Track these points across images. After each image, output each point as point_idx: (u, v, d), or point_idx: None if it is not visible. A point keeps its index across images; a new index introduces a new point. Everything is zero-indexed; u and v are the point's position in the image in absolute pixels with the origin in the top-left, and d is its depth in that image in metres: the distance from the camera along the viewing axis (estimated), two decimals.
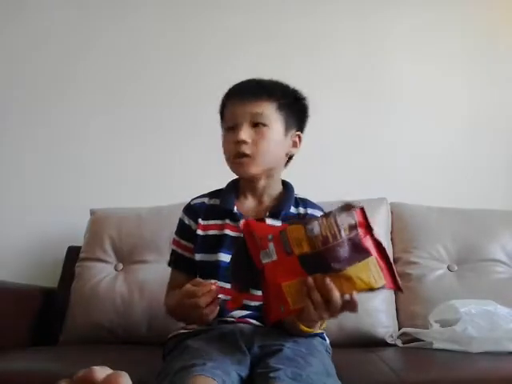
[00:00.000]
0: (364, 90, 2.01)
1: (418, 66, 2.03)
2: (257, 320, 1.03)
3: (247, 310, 1.04)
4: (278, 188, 1.14)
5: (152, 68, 2.03)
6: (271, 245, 0.81)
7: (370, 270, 0.76)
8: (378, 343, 1.46)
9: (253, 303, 1.03)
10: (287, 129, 1.09)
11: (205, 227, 1.10)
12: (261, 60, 1.98)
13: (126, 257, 1.64)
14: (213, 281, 0.98)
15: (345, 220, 0.77)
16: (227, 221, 1.09)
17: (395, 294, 1.60)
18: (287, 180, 1.18)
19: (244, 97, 1.06)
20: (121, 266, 1.64)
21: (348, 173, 1.94)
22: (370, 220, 0.79)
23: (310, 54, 2.02)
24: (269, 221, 1.06)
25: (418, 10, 2.04)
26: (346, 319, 1.47)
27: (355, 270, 0.76)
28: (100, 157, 1.96)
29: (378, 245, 0.79)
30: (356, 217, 0.77)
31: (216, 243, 1.07)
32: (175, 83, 2.00)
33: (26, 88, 2.02)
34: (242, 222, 0.87)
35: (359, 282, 0.77)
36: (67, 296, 1.61)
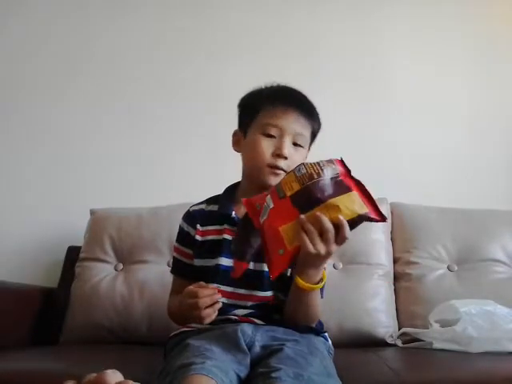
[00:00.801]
0: (364, 90, 2.01)
1: (418, 66, 2.03)
2: (259, 319, 1.04)
3: (250, 308, 1.05)
4: None
5: (153, 68, 2.03)
6: (268, 197, 0.90)
7: (354, 200, 0.85)
8: (378, 343, 1.46)
9: (260, 302, 1.05)
10: (307, 153, 1.14)
11: (203, 233, 1.12)
12: (260, 60, 1.99)
13: (126, 257, 1.64)
14: (214, 285, 1.00)
15: (326, 164, 0.88)
16: (226, 225, 1.10)
17: (395, 294, 1.60)
18: (244, 200, 1.18)
19: (292, 112, 1.08)
20: (121, 266, 1.64)
21: None
22: (349, 167, 0.89)
23: (310, 54, 2.02)
24: None
25: (418, 10, 2.04)
26: (346, 319, 1.48)
27: (340, 200, 0.85)
28: (100, 157, 1.96)
29: (358, 183, 0.88)
30: (335, 163, 0.89)
31: (215, 248, 1.09)
32: (176, 83, 2.00)
33: (26, 88, 2.01)
34: (243, 201, 0.93)
35: (345, 209, 0.84)
36: (67, 296, 1.61)
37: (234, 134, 1.17)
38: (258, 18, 2.04)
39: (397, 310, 1.58)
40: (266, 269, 1.03)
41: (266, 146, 1.07)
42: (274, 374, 0.82)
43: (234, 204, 1.13)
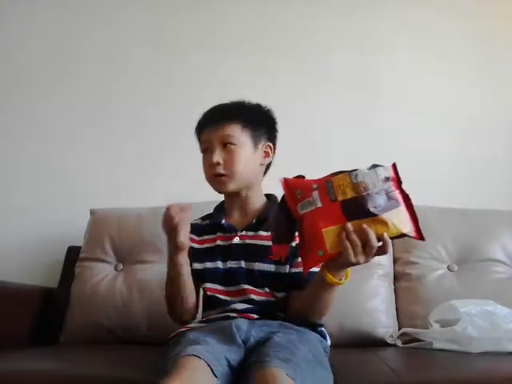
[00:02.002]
0: (364, 90, 2.00)
1: (418, 66, 2.03)
2: (258, 314, 1.08)
3: (251, 304, 1.10)
4: (261, 199, 1.23)
5: (153, 68, 2.03)
6: (315, 193, 0.89)
7: (400, 217, 0.88)
8: (378, 343, 1.46)
9: (258, 298, 1.11)
10: (256, 143, 1.19)
11: (200, 242, 1.22)
12: (253, 58, 1.99)
13: (126, 257, 1.64)
14: (215, 285, 1.15)
15: (382, 172, 0.88)
16: (218, 233, 1.21)
17: (395, 294, 1.60)
18: (283, 179, 1.20)
19: (212, 122, 1.18)
20: (121, 266, 1.64)
21: None
22: (400, 176, 0.90)
23: (310, 54, 2.02)
24: (262, 232, 1.17)
25: (418, 9, 2.04)
26: (346, 319, 1.48)
27: (389, 216, 0.87)
28: (100, 157, 1.96)
29: (406, 197, 0.90)
30: (390, 171, 0.89)
31: (211, 253, 1.19)
32: (177, 83, 2.00)
33: (26, 88, 2.01)
34: (281, 180, 0.95)
35: (392, 226, 0.87)
36: (67, 296, 1.61)
37: None
38: (253, 17, 2.03)
39: (397, 310, 1.57)
40: (260, 267, 1.12)
41: (205, 161, 1.19)
42: (263, 359, 0.87)
43: (224, 215, 1.23)
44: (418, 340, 1.37)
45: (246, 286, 1.12)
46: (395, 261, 1.64)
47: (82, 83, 2.02)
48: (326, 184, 0.89)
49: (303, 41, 2.03)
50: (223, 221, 1.21)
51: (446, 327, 1.31)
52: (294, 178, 0.95)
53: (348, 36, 2.04)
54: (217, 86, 1.95)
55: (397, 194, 0.89)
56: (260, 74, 1.97)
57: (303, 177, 0.95)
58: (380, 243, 0.88)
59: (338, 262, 0.91)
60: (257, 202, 1.22)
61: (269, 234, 1.12)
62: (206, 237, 1.22)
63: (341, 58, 2.02)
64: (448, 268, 1.61)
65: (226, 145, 1.16)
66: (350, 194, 0.87)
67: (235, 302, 1.12)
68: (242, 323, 1.03)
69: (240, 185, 1.17)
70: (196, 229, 1.22)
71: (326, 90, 1.97)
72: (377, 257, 0.90)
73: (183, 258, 1.10)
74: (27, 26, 2.04)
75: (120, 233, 1.66)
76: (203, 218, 1.28)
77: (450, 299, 1.37)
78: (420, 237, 0.89)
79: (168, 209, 1.05)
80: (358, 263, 0.89)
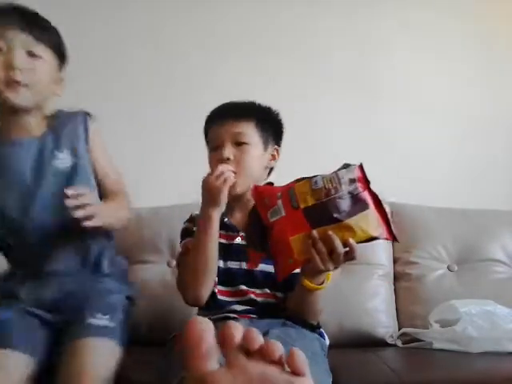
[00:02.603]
0: (363, 90, 2.00)
1: (418, 67, 2.02)
2: (258, 315, 1.08)
3: (251, 305, 1.10)
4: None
5: (153, 68, 2.02)
6: (279, 202, 0.86)
7: (369, 220, 0.83)
8: (377, 343, 1.46)
9: (258, 299, 1.10)
10: (265, 144, 1.18)
11: None
12: (258, 59, 1.98)
13: (126, 257, 1.64)
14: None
15: (345, 175, 0.84)
16: (220, 231, 1.16)
17: (395, 294, 1.60)
18: (253, 186, 1.20)
19: (224, 119, 1.16)
20: None
21: None
22: (368, 175, 0.86)
23: (310, 54, 2.01)
24: None
25: (419, 9, 2.04)
26: (346, 319, 1.48)
27: (355, 220, 0.83)
28: None
29: (375, 197, 0.85)
30: (355, 172, 0.85)
31: None
32: (177, 83, 2.00)
33: None
34: (251, 187, 0.94)
35: (359, 231, 0.84)
36: None
37: None
38: (253, 17, 2.03)
39: (397, 310, 1.58)
40: (261, 268, 1.10)
41: (213, 158, 1.17)
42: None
43: (227, 213, 1.19)
44: (418, 340, 1.37)
45: (244, 287, 1.11)
46: (395, 261, 1.64)
47: (82, 83, 2.01)
48: (289, 192, 0.86)
49: (303, 41, 2.02)
50: (226, 219, 1.18)
51: (446, 327, 1.31)
52: (265, 184, 0.93)
53: (348, 36, 2.04)
54: (217, 85, 1.95)
55: (365, 195, 0.85)
56: (260, 73, 1.97)
57: (272, 184, 0.94)
58: (347, 248, 0.86)
59: (310, 268, 0.90)
60: None
61: None
62: None
63: (341, 58, 2.02)
64: (448, 268, 1.61)
65: (237, 143, 1.13)
66: (311, 202, 0.84)
67: (235, 303, 1.11)
68: (243, 323, 1.02)
69: (246, 186, 1.14)
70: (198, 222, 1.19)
71: (326, 89, 1.97)
72: (349, 261, 0.88)
73: (218, 222, 1.09)
74: None
75: (120, 233, 1.65)
76: None
77: (450, 299, 1.38)
78: (393, 238, 0.86)
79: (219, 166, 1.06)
80: (327, 270, 0.88)
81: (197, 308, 1.20)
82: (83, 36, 2.03)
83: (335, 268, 0.89)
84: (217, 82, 1.97)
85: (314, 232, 0.84)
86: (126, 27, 2.03)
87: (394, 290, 1.61)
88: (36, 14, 1.14)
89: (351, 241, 0.84)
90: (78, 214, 0.94)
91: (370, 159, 1.92)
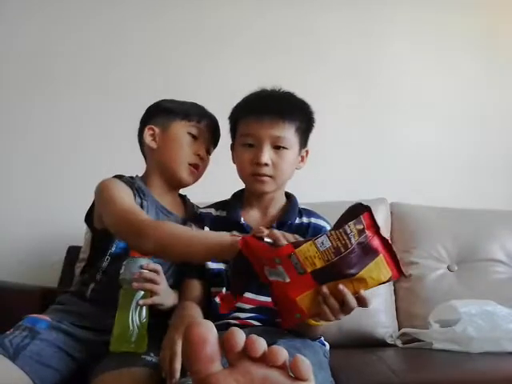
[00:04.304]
0: (364, 90, 2.00)
1: (419, 66, 2.03)
2: (259, 321, 1.05)
3: (252, 312, 1.06)
4: (282, 199, 1.18)
5: (154, 68, 2.02)
6: (280, 268, 0.80)
7: (379, 267, 0.80)
8: (377, 343, 1.46)
9: (257, 306, 1.06)
10: (301, 147, 1.13)
11: None
12: (258, 60, 1.98)
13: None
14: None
15: (353, 227, 0.78)
16: (234, 232, 1.11)
17: (395, 294, 1.60)
18: (242, 239, 1.17)
19: (265, 115, 1.06)
20: None
21: (348, 173, 1.94)
22: (376, 219, 0.81)
23: (310, 54, 2.02)
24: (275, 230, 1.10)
25: (418, 8, 2.04)
26: (346, 319, 1.47)
27: (367, 271, 0.79)
28: (100, 156, 1.96)
29: (384, 241, 0.81)
30: (364, 221, 0.79)
31: None
32: (177, 83, 2.00)
33: (26, 88, 2.01)
34: (239, 239, 0.85)
35: (370, 281, 0.80)
36: None
37: (231, 148, 1.19)
38: (252, 14, 2.02)
39: (397, 310, 1.58)
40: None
41: (247, 157, 1.09)
42: None
43: (242, 210, 1.15)
44: (418, 340, 1.37)
45: (250, 295, 1.06)
46: None
47: (85, 84, 2.02)
48: (290, 258, 0.79)
49: (303, 41, 2.02)
50: (242, 220, 1.13)
51: (445, 327, 1.31)
52: (253, 237, 0.85)
53: (347, 34, 2.04)
54: (217, 86, 1.95)
55: (374, 242, 0.79)
56: (260, 73, 1.97)
57: (262, 238, 0.85)
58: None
59: (319, 318, 0.86)
60: (278, 202, 1.16)
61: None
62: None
63: (341, 57, 2.02)
64: (448, 268, 1.61)
65: (277, 146, 1.07)
66: (319, 264, 0.77)
67: (239, 310, 1.06)
68: (245, 331, 0.98)
69: (275, 187, 1.11)
70: (209, 220, 1.15)
71: (326, 89, 1.97)
72: None
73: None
74: (27, 26, 2.04)
75: None
76: (216, 207, 1.19)
77: (449, 299, 1.38)
78: (402, 275, 0.82)
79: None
80: (337, 319, 0.85)
81: None
82: (83, 35, 2.03)
83: (346, 315, 0.85)
84: (217, 82, 1.96)
85: (325, 288, 0.80)
86: (126, 27, 2.03)
87: (394, 290, 1.61)
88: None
89: (363, 293, 0.81)
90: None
91: (370, 159, 1.95)
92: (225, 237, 0.93)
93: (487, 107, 2.01)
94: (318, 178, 1.83)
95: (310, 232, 1.12)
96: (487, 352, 1.24)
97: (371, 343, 1.45)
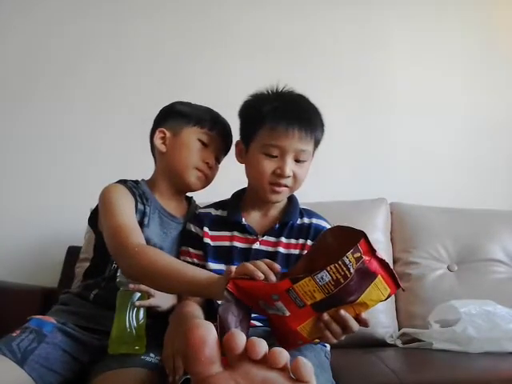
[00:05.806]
0: (364, 91, 2.00)
1: (418, 67, 2.03)
2: (261, 322, 1.05)
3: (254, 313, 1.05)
4: (283, 201, 1.17)
5: (153, 68, 2.02)
6: (279, 303, 0.79)
7: (378, 288, 0.80)
8: (377, 343, 1.46)
9: None
10: (312, 156, 1.14)
11: (214, 238, 1.13)
12: (258, 60, 1.98)
13: None
14: None
15: (351, 257, 0.77)
16: (235, 233, 1.12)
17: (395, 294, 1.60)
18: (231, 283, 1.15)
19: (296, 131, 1.05)
20: None
21: (348, 173, 1.94)
22: (371, 242, 0.80)
23: (310, 55, 2.02)
24: (283, 239, 1.10)
25: (418, 12, 2.04)
26: None
27: (367, 295, 0.80)
28: (100, 156, 1.96)
29: (381, 261, 0.80)
30: (360, 248, 0.78)
31: (227, 255, 1.11)
32: (177, 83, 2.00)
33: (27, 88, 2.01)
34: (228, 285, 0.81)
35: (370, 303, 0.81)
36: None
37: (237, 145, 1.17)
38: (255, 21, 2.03)
39: (397, 310, 1.58)
40: None
41: (268, 166, 1.06)
42: None
43: (243, 211, 1.15)
44: (418, 340, 1.37)
45: None
46: (395, 261, 1.64)
47: (82, 83, 2.02)
48: (289, 294, 0.77)
49: (303, 41, 2.02)
50: (244, 220, 1.12)
51: (445, 327, 1.31)
52: (241, 278, 0.82)
53: (348, 36, 2.04)
54: (217, 85, 1.95)
55: (372, 265, 0.79)
56: (260, 74, 1.97)
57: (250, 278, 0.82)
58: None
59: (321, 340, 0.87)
60: (279, 203, 1.16)
61: (290, 240, 1.10)
62: (219, 233, 1.13)
63: (341, 58, 2.02)
64: (448, 268, 1.61)
65: (298, 160, 1.07)
66: (319, 296, 0.77)
67: None
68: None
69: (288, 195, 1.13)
70: (208, 220, 1.15)
71: (325, 90, 1.96)
72: None
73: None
74: (27, 26, 2.04)
75: None
76: (215, 207, 1.18)
77: (449, 299, 1.38)
78: (398, 288, 0.83)
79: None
80: (339, 341, 0.86)
81: None
82: (85, 35, 2.03)
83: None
84: (217, 82, 1.97)
85: (326, 316, 0.80)
86: (126, 27, 2.03)
87: None
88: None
89: (364, 315, 0.82)
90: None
91: (370, 159, 1.95)
92: (207, 276, 0.89)
93: (487, 107, 2.01)
94: (318, 178, 1.83)
95: (312, 232, 1.12)
96: (487, 352, 1.24)
97: (371, 343, 1.45)
